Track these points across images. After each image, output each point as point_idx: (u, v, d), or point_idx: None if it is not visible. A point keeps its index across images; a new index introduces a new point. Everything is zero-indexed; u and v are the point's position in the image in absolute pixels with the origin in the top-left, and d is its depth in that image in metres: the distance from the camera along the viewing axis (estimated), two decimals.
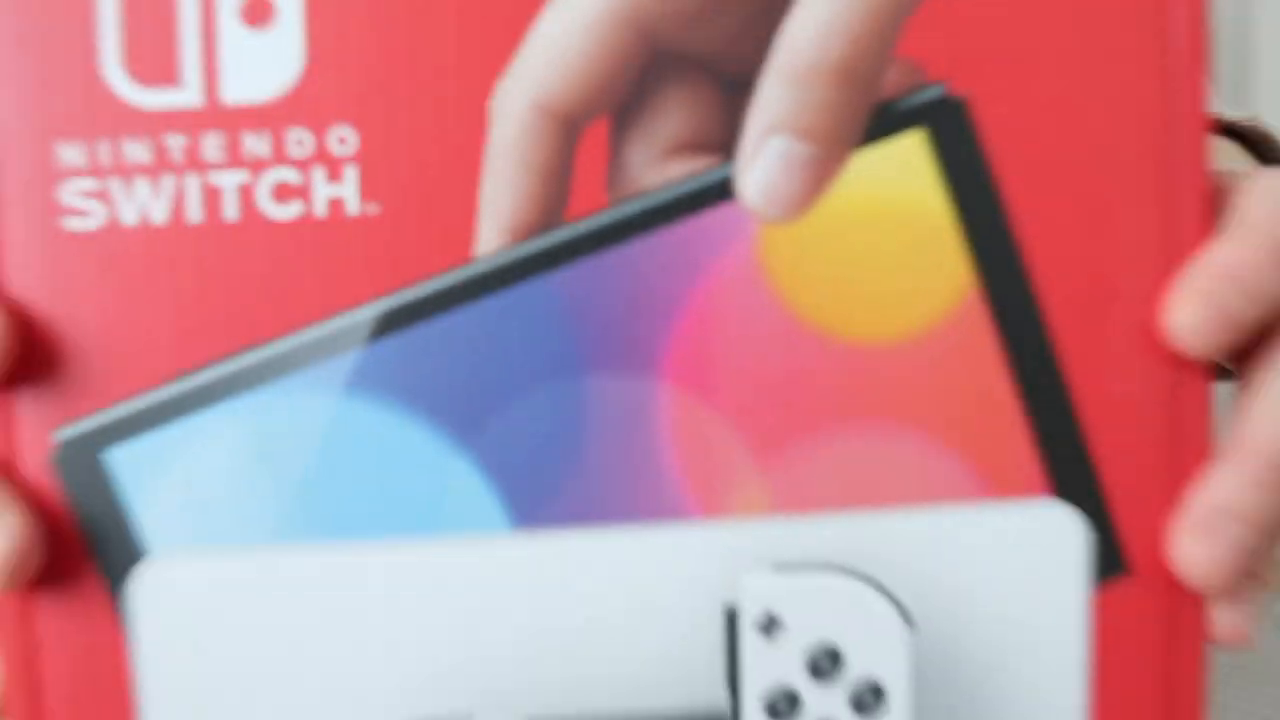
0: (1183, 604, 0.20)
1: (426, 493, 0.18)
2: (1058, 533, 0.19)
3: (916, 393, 0.19)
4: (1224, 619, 0.20)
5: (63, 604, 0.18)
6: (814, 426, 0.19)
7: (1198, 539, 0.19)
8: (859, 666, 0.18)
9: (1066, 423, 0.19)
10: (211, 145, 0.18)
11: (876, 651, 0.18)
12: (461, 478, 0.18)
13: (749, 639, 0.18)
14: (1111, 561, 0.19)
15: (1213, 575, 0.19)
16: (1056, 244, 0.19)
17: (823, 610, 0.18)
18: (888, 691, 0.18)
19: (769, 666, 0.18)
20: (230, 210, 0.18)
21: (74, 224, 0.18)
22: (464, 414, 0.18)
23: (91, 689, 0.19)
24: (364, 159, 0.18)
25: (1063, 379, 0.19)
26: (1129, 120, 0.19)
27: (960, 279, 0.19)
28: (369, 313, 0.18)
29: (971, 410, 0.19)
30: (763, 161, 0.18)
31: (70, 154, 0.18)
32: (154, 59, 0.18)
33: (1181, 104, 0.19)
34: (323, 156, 0.18)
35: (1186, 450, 0.19)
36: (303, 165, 0.18)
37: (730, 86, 0.18)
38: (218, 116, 0.18)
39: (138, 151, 0.18)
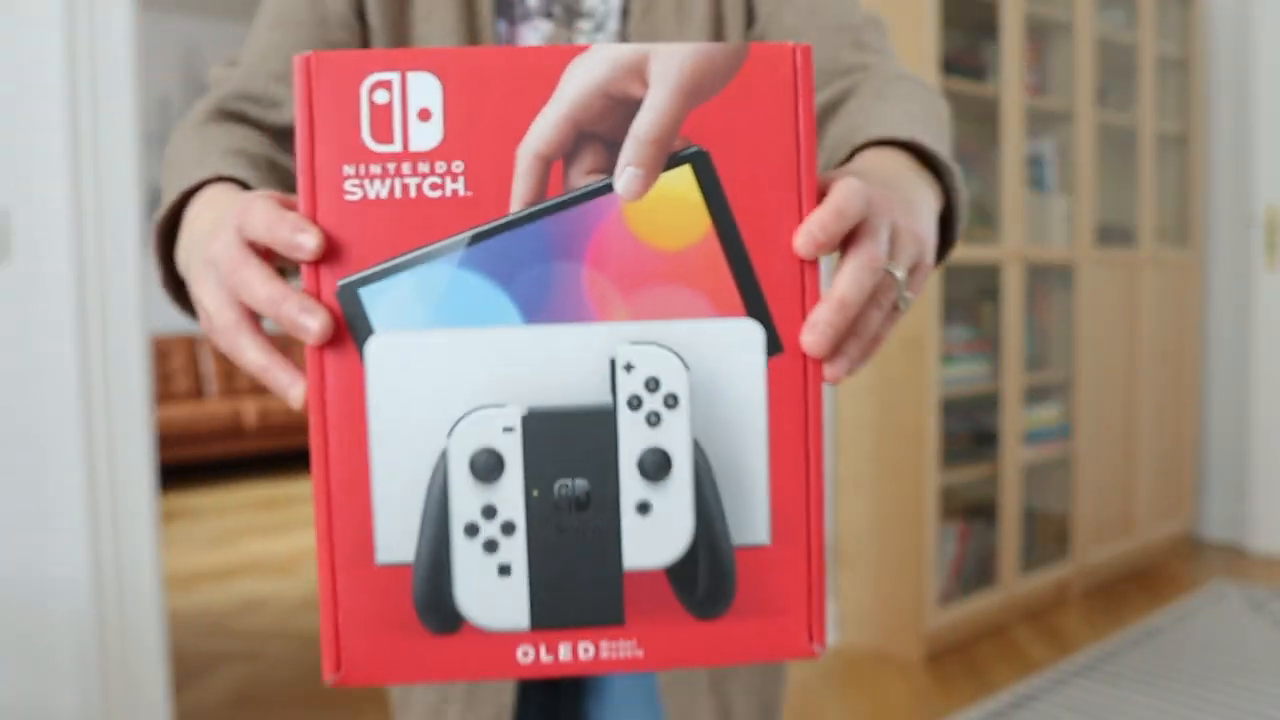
0: (808, 364, 0.44)
1: (490, 308, 0.43)
2: (751, 332, 0.44)
3: (688, 269, 0.44)
4: (828, 372, 0.45)
5: (337, 357, 0.43)
6: (645, 283, 0.43)
7: (809, 334, 0.43)
8: (667, 387, 0.43)
9: (754, 285, 0.44)
10: (405, 167, 0.43)
11: (674, 380, 0.43)
12: (504, 304, 0.43)
13: (619, 374, 0.43)
14: (774, 345, 0.44)
15: (816, 350, 0.43)
16: (748, 208, 0.44)
17: (650, 360, 0.43)
18: (680, 399, 0.43)
19: (627, 386, 0.43)
20: (413, 191, 0.43)
21: (347, 197, 0.43)
22: (505, 275, 0.43)
23: (347, 404, 0.43)
24: (469, 177, 0.43)
25: (752, 266, 0.44)
26: (780, 154, 0.44)
27: (704, 223, 0.44)
28: (466, 235, 0.43)
29: (710, 277, 0.44)
30: (624, 175, 0.43)
31: (348, 169, 0.43)
32: (383, 131, 0.42)
33: (804, 147, 0.44)
34: (449, 174, 0.43)
35: (808, 297, 0.44)
36: (441, 176, 0.43)
37: (611, 147, 0.43)
38: (408, 155, 0.43)
39: (375, 169, 0.43)
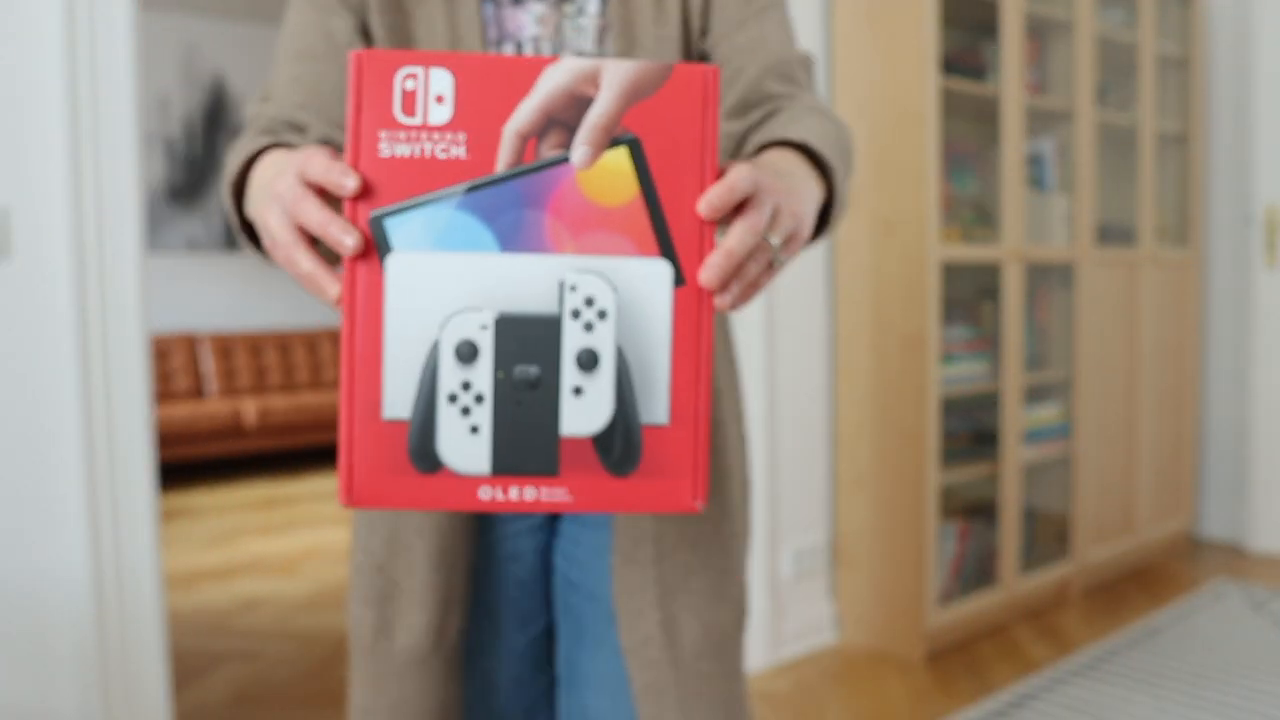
0: (702, 295, 0.59)
1: (477, 239, 0.59)
2: (662, 268, 0.59)
3: (620, 221, 0.59)
4: (718, 302, 0.59)
5: (366, 268, 0.58)
6: (589, 229, 0.59)
7: (704, 272, 0.58)
8: (599, 304, 0.58)
9: (666, 236, 0.59)
10: (423, 135, 0.59)
11: (605, 299, 0.58)
12: (487, 237, 0.59)
13: (565, 293, 0.59)
14: (679, 280, 0.59)
15: (708, 284, 0.58)
16: (665, 180, 0.59)
17: (588, 284, 0.58)
18: (608, 313, 0.59)
19: (570, 301, 0.58)
20: (428, 153, 0.58)
21: (380, 154, 0.58)
22: (489, 216, 0.59)
23: (371, 302, 0.58)
24: (469, 145, 0.59)
25: (666, 222, 0.59)
26: (689, 144, 0.59)
27: (634, 189, 0.59)
28: (463, 186, 0.59)
29: (636, 228, 0.59)
30: (578, 151, 0.59)
31: (382, 134, 0.58)
32: (409, 108, 0.59)
33: (707, 139, 0.60)
34: (455, 142, 0.59)
35: (705, 246, 0.59)
36: (449, 144, 0.59)
37: (571, 130, 0.59)
38: (425, 128, 0.59)
39: (401, 136, 0.58)
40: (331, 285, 0.60)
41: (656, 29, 0.90)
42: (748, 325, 2.51)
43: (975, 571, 2.87)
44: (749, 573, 0.98)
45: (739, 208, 0.60)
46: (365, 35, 0.90)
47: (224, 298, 5.89)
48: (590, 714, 0.92)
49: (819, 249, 2.69)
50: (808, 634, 2.69)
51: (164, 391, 5.40)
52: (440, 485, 0.59)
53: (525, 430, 0.59)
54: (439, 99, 0.59)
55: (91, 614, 1.71)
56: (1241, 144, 3.60)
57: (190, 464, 5.80)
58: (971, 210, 2.81)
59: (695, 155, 0.59)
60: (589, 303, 0.59)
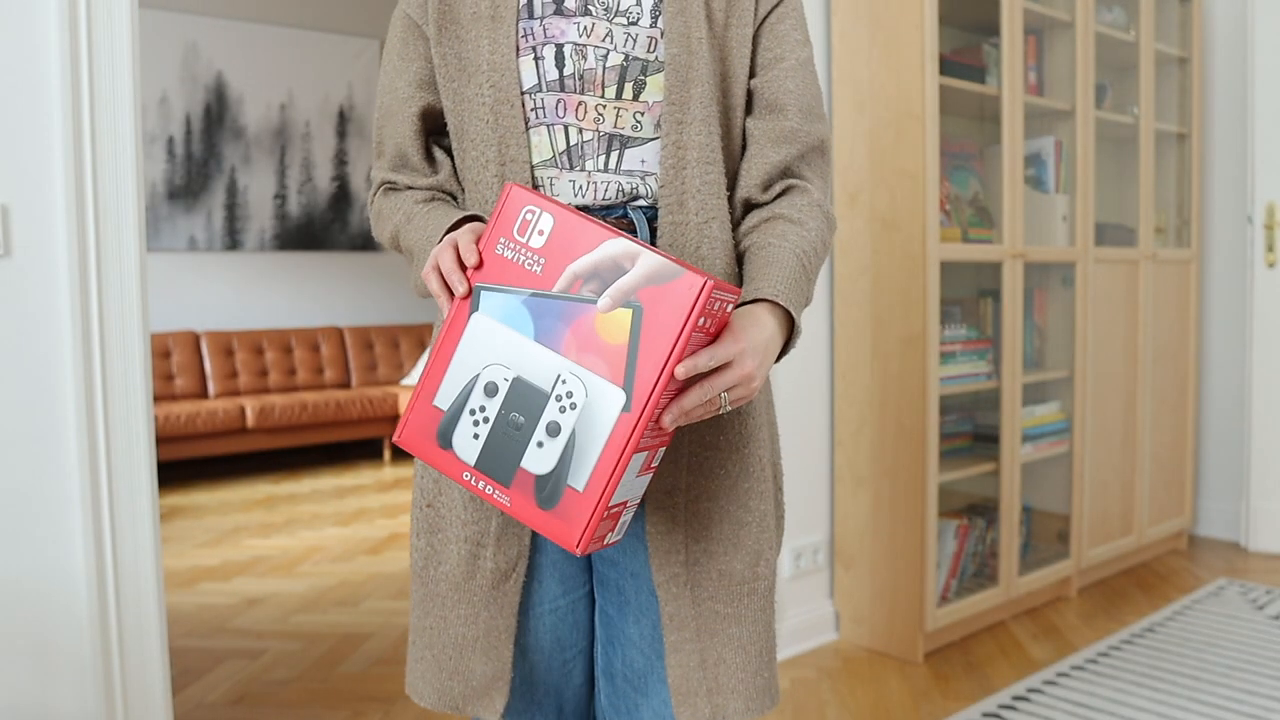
0: (637, 422, 0.87)
1: (524, 326, 0.89)
2: (618, 396, 0.87)
3: (608, 354, 0.86)
4: (665, 420, 0.87)
5: (461, 314, 0.92)
6: (588, 351, 0.86)
7: (667, 417, 0.87)
8: (574, 398, 0.87)
9: (631, 376, 0.86)
10: (522, 250, 0.90)
11: (578, 397, 0.87)
12: (530, 326, 0.89)
13: (557, 383, 0.88)
14: (627, 406, 0.87)
15: (669, 425, 0.88)
16: (645, 341, 0.85)
17: (573, 384, 0.88)
18: (578, 406, 0.87)
19: (557, 389, 0.89)
20: (520, 262, 0.90)
21: (495, 250, 0.92)
22: (537, 315, 0.89)
23: (455, 335, 0.92)
24: (544, 267, 0.89)
25: (635, 367, 0.85)
26: (673, 324, 0.85)
27: (625, 337, 0.86)
28: (529, 291, 0.89)
29: (616, 362, 0.86)
30: (603, 300, 0.86)
31: (501, 239, 0.91)
32: (523, 231, 0.90)
33: (688, 326, 0.84)
34: (538, 261, 0.89)
35: (655, 394, 0.85)
36: (534, 261, 0.89)
37: (606, 284, 0.88)
38: (526, 247, 0.90)
39: (511, 245, 0.91)
40: (443, 308, 0.93)
41: (709, 48, 1.03)
42: None
43: (975, 570, 2.88)
44: (774, 527, 1.11)
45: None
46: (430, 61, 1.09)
47: (224, 298, 5.89)
48: (629, 642, 1.07)
49: None
50: (807, 633, 2.69)
51: (166, 390, 5.40)
52: (445, 458, 0.91)
53: (502, 452, 0.89)
54: (541, 232, 0.89)
55: (92, 613, 1.71)
56: (1241, 143, 3.60)
57: (190, 463, 5.80)
58: (971, 210, 2.81)
59: (672, 336, 0.84)
60: (569, 395, 0.87)
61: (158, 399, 5.35)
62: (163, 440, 5.00)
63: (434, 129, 1.11)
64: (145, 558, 1.78)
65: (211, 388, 5.55)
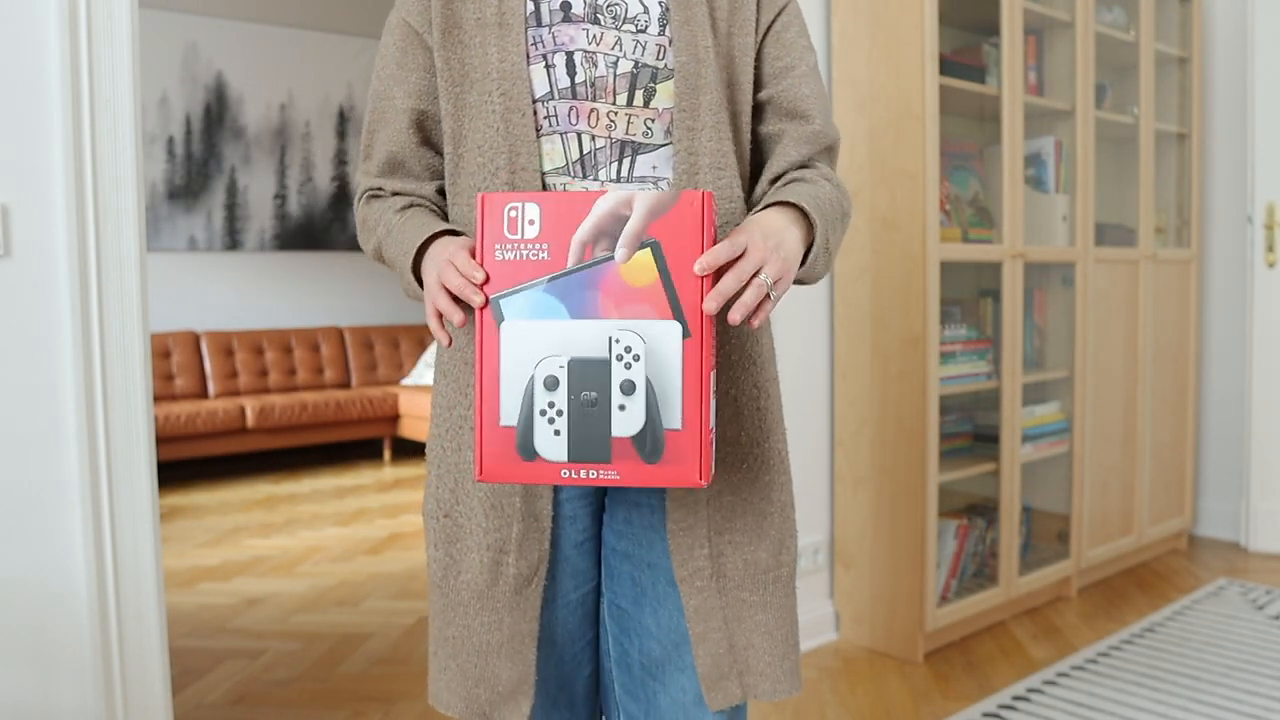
0: (703, 343, 0.88)
1: (556, 310, 0.90)
2: (674, 328, 0.89)
3: (647, 297, 0.88)
4: (732, 317, 0.88)
5: (489, 332, 0.91)
6: (627, 302, 0.88)
7: (708, 302, 0.87)
8: (634, 350, 0.89)
9: (677, 305, 0.88)
10: (522, 246, 0.91)
11: (637, 347, 0.88)
12: (561, 309, 0.89)
13: (612, 344, 0.89)
14: (686, 333, 0.88)
15: (710, 311, 0.87)
16: (676, 267, 0.88)
17: (626, 338, 0.88)
18: (641, 356, 0.88)
19: (615, 349, 0.89)
20: (524, 257, 0.90)
21: (495, 258, 0.91)
22: (563, 295, 0.90)
23: (493, 353, 0.91)
24: (550, 251, 0.90)
25: (677, 296, 0.88)
26: (692, 242, 0.89)
27: (655, 275, 0.88)
28: (546, 278, 0.90)
29: (657, 301, 0.88)
30: (619, 252, 0.88)
31: (497, 246, 0.91)
32: (513, 229, 0.91)
33: (706, 237, 0.89)
34: (541, 249, 0.90)
35: (701, 307, 0.88)
36: (537, 250, 0.90)
37: (614, 238, 0.90)
38: (523, 240, 0.90)
39: (509, 247, 0.91)
40: (455, 314, 0.94)
41: (715, 55, 1.05)
42: None
43: (975, 570, 2.88)
44: (793, 517, 1.14)
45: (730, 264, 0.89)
46: (431, 71, 1.10)
47: (224, 298, 5.89)
48: (647, 633, 1.09)
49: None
50: (807, 633, 2.69)
51: (164, 391, 5.40)
52: (536, 468, 0.90)
53: (589, 433, 0.89)
54: (531, 222, 0.89)
55: (92, 613, 1.71)
56: (1241, 143, 3.60)
57: (190, 463, 5.80)
58: (971, 210, 2.81)
59: (696, 249, 0.87)
60: (628, 350, 0.88)
61: (158, 399, 5.35)
62: (163, 440, 5.00)
63: (426, 139, 1.12)
64: (145, 558, 1.78)
65: (211, 388, 5.55)
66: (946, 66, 2.57)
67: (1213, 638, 2.65)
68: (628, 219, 0.87)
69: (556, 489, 1.10)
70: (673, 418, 0.88)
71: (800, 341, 2.66)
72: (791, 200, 0.99)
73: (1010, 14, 2.64)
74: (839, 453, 2.72)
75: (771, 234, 0.93)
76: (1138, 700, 2.26)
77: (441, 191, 1.13)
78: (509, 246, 0.89)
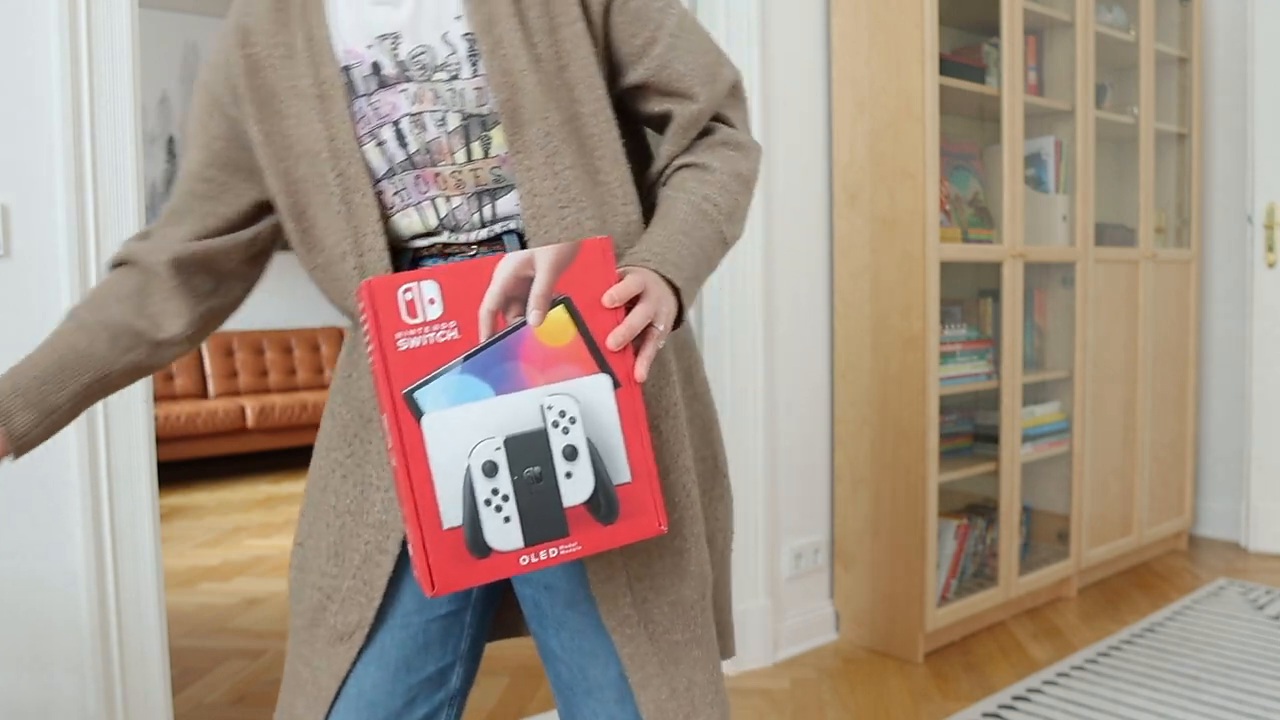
0: (632, 389, 0.85)
1: (479, 390, 0.82)
2: (603, 380, 0.84)
3: (569, 355, 0.83)
4: (637, 373, 0.86)
5: (409, 428, 0.81)
6: (550, 365, 0.83)
7: (611, 339, 0.85)
8: (569, 414, 0.84)
9: (601, 357, 0.84)
10: (426, 329, 0.81)
11: (572, 409, 0.84)
12: (485, 387, 0.82)
13: (545, 412, 0.83)
14: (616, 384, 0.85)
15: (616, 346, 0.85)
16: (591, 318, 0.84)
17: (559, 402, 0.83)
18: (577, 419, 0.84)
19: (549, 416, 0.83)
20: (432, 340, 0.82)
21: (399, 348, 0.81)
22: (483, 372, 0.82)
23: (418, 452, 0.81)
24: (459, 329, 0.82)
25: (599, 348, 0.84)
26: (600, 288, 0.85)
27: (573, 330, 0.84)
28: (461, 357, 0.82)
29: (580, 357, 0.84)
30: (531, 315, 0.83)
31: (398, 334, 0.81)
32: (413, 313, 0.81)
33: (611, 281, 0.86)
34: (449, 328, 0.82)
35: (626, 358, 0.85)
36: (445, 330, 0.82)
37: (523, 301, 0.85)
38: (426, 323, 0.82)
39: (411, 333, 0.81)
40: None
41: (536, 75, 0.95)
42: (748, 325, 2.51)
43: (975, 570, 2.88)
44: (709, 549, 1.10)
45: (632, 301, 0.87)
46: (243, 144, 1.04)
47: None
48: (590, 683, 1.05)
49: (820, 249, 2.69)
50: (807, 633, 2.69)
51: (164, 391, 5.40)
52: (492, 563, 0.83)
53: (541, 511, 0.83)
54: (431, 301, 0.81)
55: (92, 613, 1.71)
56: (1241, 143, 3.60)
57: (190, 463, 5.80)
58: (971, 210, 2.82)
59: (601, 293, 0.85)
60: (563, 414, 0.83)
61: (158, 399, 5.35)
62: (163, 440, 5.00)
63: (211, 202, 1.07)
64: (145, 558, 1.78)
65: (211, 388, 5.55)
66: (946, 66, 2.57)
67: (1213, 638, 2.65)
68: (532, 279, 0.82)
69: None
70: (620, 472, 0.84)
71: (800, 342, 2.66)
72: (653, 267, 0.92)
73: (1010, 14, 2.64)
74: (839, 453, 2.72)
75: (657, 282, 0.90)
76: (1138, 700, 2.26)
77: (177, 265, 1.06)
78: (412, 333, 0.81)
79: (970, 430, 2.90)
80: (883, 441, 2.61)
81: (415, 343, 0.81)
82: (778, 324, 2.60)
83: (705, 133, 1.04)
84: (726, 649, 1.14)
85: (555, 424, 0.83)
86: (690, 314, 1.00)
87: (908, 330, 2.54)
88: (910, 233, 2.51)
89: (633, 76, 1.01)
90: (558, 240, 0.95)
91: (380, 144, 0.98)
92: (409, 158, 0.98)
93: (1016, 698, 2.29)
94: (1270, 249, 3.45)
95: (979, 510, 2.92)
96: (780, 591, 2.64)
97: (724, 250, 1.01)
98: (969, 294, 3.02)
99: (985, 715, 2.20)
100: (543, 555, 0.83)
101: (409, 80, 0.96)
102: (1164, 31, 3.48)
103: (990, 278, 2.99)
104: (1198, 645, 2.59)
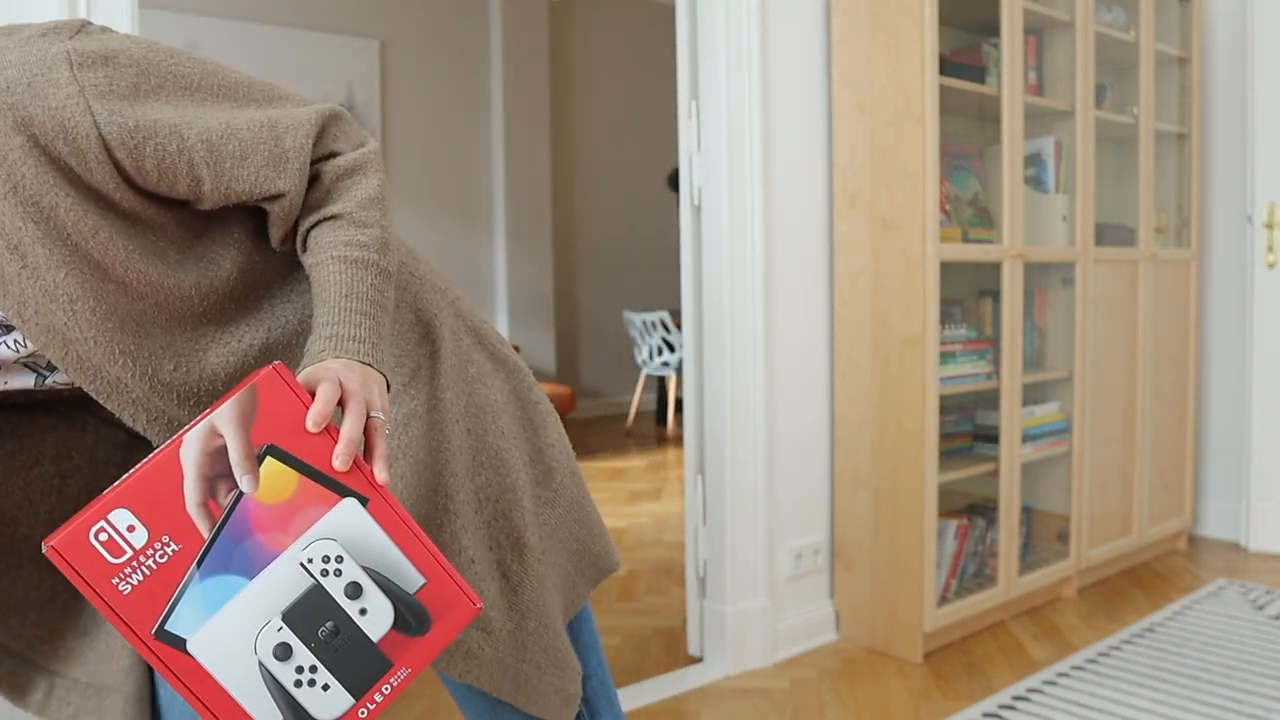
0: (382, 496, 0.80)
1: (230, 585, 0.76)
2: (350, 504, 0.79)
3: (303, 500, 0.78)
4: (379, 475, 0.80)
5: (181, 661, 0.76)
6: (288, 521, 0.78)
7: (338, 460, 0.79)
8: (334, 554, 0.79)
9: (334, 483, 0.79)
10: (138, 559, 0.75)
11: (333, 550, 0.79)
12: (235, 579, 0.76)
13: (309, 565, 0.78)
14: (363, 500, 0.80)
15: (342, 465, 0.78)
16: (303, 449, 0.79)
17: (316, 550, 0.79)
18: (345, 556, 0.79)
19: (316, 566, 0.78)
20: (154, 566, 0.76)
21: (124, 593, 0.75)
22: (225, 565, 0.76)
23: (201, 678, 0.77)
24: (175, 539, 0.75)
25: (327, 476, 0.79)
26: (298, 415, 0.78)
27: (294, 477, 0.77)
28: (194, 564, 0.75)
29: (316, 497, 0.79)
30: (242, 483, 0.77)
31: (114, 578, 0.75)
32: (116, 551, 0.74)
33: (306, 402, 0.79)
34: (164, 546, 0.75)
35: (358, 469, 0.81)
36: (161, 549, 0.75)
37: (229, 473, 0.78)
38: (135, 554, 0.75)
39: (126, 571, 0.75)
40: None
41: (34, 283, 0.83)
42: (748, 325, 2.51)
43: (974, 570, 2.88)
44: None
45: (340, 403, 0.81)
46: None
47: None
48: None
49: (820, 248, 2.69)
50: (807, 633, 2.69)
51: None
52: None
53: (353, 660, 0.80)
54: (130, 529, 0.74)
55: None
56: (1241, 143, 3.60)
57: None
58: (971, 210, 2.82)
59: (302, 420, 0.79)
60: (326, 560, 0.79)
61: None
62: None
63: None
64: None
65: None
66: (946, 66, 2.57)
67: (1213, 638, 2.65)
68: (224, 447, 0.75)
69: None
70: (412, 579, 0.80)
71: (800, 342, 2.66)
72: (340, 355, 0.86)
73: (1010, 14, 2.64)
74: (839, 453, 2.72)
75: (350, 367, 0.84)
76: (1138, 700, 2.26)
77: None
78: (127, 570, 0.74)
79: (970, 430, 2.90)
80: (883, 441, 2.61)
81: (137, 579, 0.74)
82: (777, 324, 2.60)
83: (314, 179, 0.95)
84: (603, 567, 1.16)
85: (324, 572, 0.78)
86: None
87: (908, 330, 2.54)
88: (910, 233, 2.51)
89: (204, 207, 0.91)
90: (139, 412, 0.89)
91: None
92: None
93: (1016, 698, 2.29)
94: (1270, 249, 3.45)
95: (979, 510, 2.92)
96: (780, 591, 2.64)
97: (390, 283, 0.94)
98: (969, 294, 3.02)
99: (985, 715, 2.20)
100: (378, 698, 0.80)
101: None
102: (1164, 31, 3.48)
103: (990, 278, 2.99)
104: (1198, 645, 2.59)
